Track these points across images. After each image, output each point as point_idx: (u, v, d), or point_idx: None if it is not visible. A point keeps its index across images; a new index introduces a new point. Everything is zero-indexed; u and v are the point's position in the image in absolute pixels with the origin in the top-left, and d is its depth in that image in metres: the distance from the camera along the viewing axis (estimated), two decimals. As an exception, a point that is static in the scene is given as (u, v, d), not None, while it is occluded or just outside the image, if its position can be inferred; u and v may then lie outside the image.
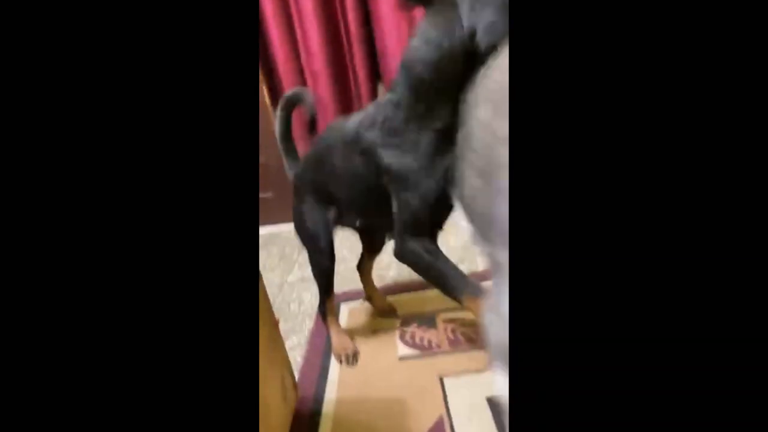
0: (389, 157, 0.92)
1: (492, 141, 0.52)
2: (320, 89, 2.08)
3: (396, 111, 0.91)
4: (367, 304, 1.47)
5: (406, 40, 1.95)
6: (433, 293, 1.27)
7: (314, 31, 1.99)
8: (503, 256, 0.47)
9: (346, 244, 1.74)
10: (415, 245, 0.94)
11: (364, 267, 1.42)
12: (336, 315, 1.34)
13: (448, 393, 1.02)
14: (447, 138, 0.86)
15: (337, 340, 1.26)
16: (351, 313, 1.46)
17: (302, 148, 1.40)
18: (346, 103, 2.13)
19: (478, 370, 1.06)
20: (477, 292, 0.86)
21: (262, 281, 0.94)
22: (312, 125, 1.26)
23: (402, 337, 1.27)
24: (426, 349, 1.20)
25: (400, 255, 0.96)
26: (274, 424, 0.88)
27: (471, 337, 1.21)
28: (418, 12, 1.94)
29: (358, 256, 1.43)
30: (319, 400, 1.08)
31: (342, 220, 1.19)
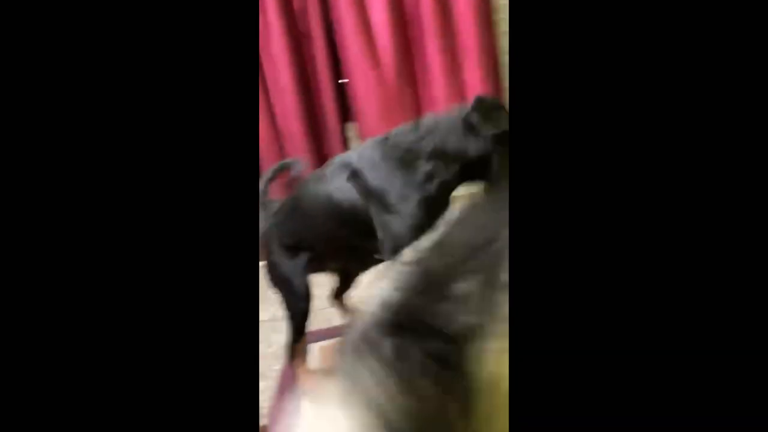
0: (375, 180, 0.94)
1: None
2: (290, 125, 2.09)
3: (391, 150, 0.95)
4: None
5: (374, 81, 2.02)
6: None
7: (285, 70, 2.02)
8: None
9: (314, 281, 1.70)
10: None
11: (339, 296, 1.40)
12: (305, 355, 1.30)
13: None
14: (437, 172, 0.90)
15: (307, 380, 1.21)
16: (322, 351, 1.42)
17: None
18: (316, 141, 2.15)
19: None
20: None
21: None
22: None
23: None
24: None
25: None
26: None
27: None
28: (384, 55, 2.02)
29: (327, 293, 1.40)
30: (289, 445, 1.02)
31: (316, 266, 1.18)
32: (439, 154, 0.94)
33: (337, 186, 1.01)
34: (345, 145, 2.16)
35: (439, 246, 0.45)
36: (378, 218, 0.96)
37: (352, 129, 2.17)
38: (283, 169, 1.32)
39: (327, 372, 1.28)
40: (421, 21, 1.99)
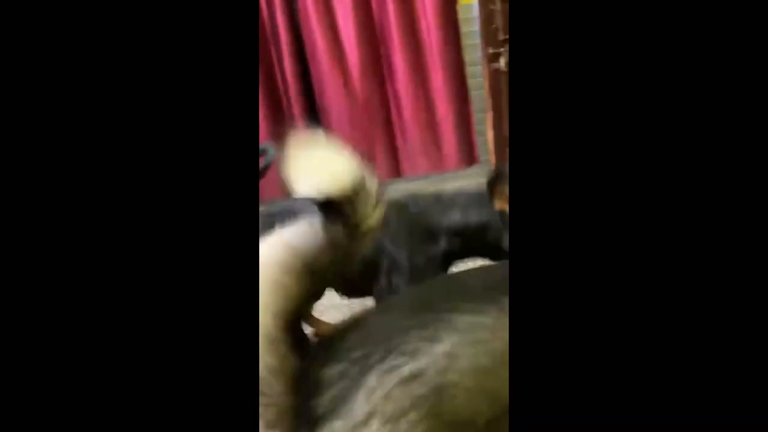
0: (391, 244, 0.98)
1: None
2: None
3: None
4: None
5: (341, 79, 2.02)
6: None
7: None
8: None
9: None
10: None
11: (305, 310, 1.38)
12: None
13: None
14: None
15: None
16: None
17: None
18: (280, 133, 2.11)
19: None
20: None
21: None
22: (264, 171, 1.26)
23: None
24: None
25: None
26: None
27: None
28: (351, 53, 2.03)
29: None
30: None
31: None
32: (460, 232, 0.97)
33: None
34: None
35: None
36: (385, 274, 1.00)
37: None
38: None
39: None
40: (390, 33, 2.02)
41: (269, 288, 0.45)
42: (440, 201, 1.00)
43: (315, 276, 0.48)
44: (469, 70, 2.13)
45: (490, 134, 2.22)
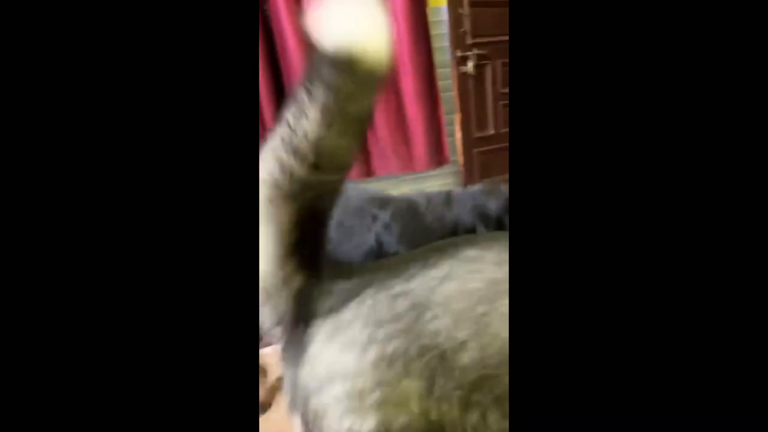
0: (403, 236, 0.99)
1: None
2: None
3: None
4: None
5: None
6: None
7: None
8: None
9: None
10: None
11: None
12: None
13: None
14: None
15: None
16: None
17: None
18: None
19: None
20: None
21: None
22: None
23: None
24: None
25: None
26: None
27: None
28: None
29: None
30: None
31: None
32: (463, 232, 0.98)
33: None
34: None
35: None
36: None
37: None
38: None
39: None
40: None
41: (262, 220, 0.50)
42: (449, 201, 1.01)
43: (296, 201, 0.50)
44: (440, 72, 2.16)
45: (458, 135, 2.28)
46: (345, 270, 0.54)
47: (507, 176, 0.89)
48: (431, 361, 0.47)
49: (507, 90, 2.28)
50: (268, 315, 0.53)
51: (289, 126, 0.48)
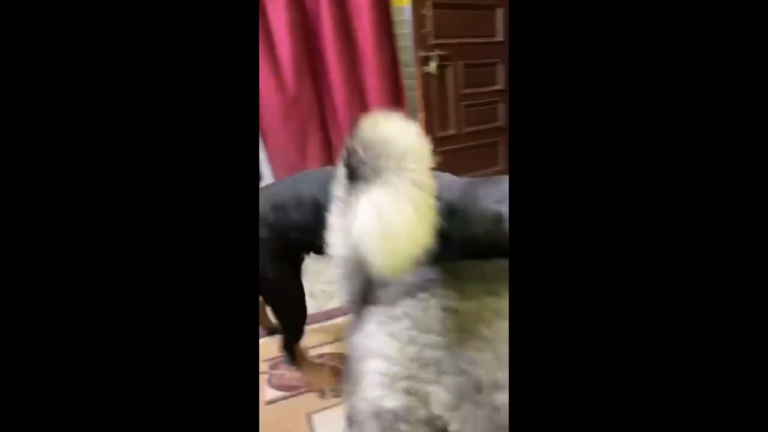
0: None
1: None
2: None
3: None
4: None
5: (273, 73, 2.01)
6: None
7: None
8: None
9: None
10: None
11: None
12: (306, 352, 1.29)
13: (316, 430, 1.02)
14: None
15: (314, 376, 1.23)
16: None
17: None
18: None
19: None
20: None
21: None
22: None
23: (269, 381, 1.23)
24: (294, 389, 1.18)
25: None
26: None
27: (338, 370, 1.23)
28: (282, 49, 2.03)
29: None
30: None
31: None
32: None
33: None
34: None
35: None
36: None
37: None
38: None
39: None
40: (323, 31, 2.03)
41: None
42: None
43: None
44: (406, 71, 2.18)
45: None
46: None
47: (469, 175, 0.92)
48: (464, 384, 0.51)
49: (469, 91, 2.33)
50: (345, 291, 0.62)
51: None
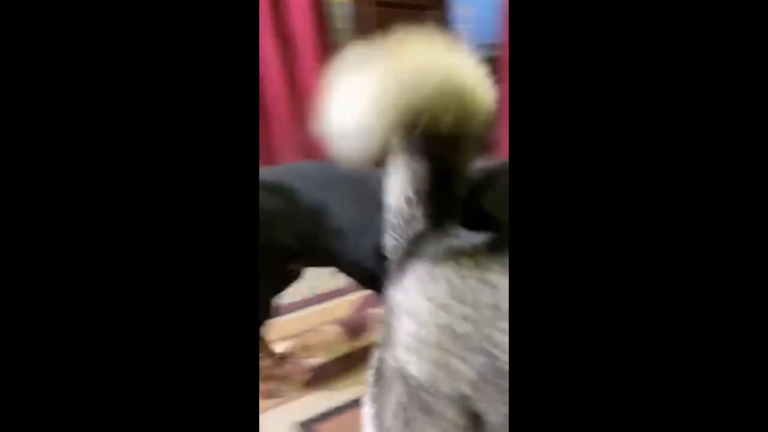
0: None
1: None
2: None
3: None
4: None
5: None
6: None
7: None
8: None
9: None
10: None
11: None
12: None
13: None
14: None
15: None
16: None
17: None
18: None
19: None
20: None
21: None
22: None
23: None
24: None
25: None
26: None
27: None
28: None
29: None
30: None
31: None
32: None
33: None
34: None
35: None
36: None
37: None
38: None
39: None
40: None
41: (399, 167, 0.59)
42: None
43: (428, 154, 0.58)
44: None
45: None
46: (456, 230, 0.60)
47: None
48: (486, 366, 0.47)
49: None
50: (390, 242, 0.62)
51: None
